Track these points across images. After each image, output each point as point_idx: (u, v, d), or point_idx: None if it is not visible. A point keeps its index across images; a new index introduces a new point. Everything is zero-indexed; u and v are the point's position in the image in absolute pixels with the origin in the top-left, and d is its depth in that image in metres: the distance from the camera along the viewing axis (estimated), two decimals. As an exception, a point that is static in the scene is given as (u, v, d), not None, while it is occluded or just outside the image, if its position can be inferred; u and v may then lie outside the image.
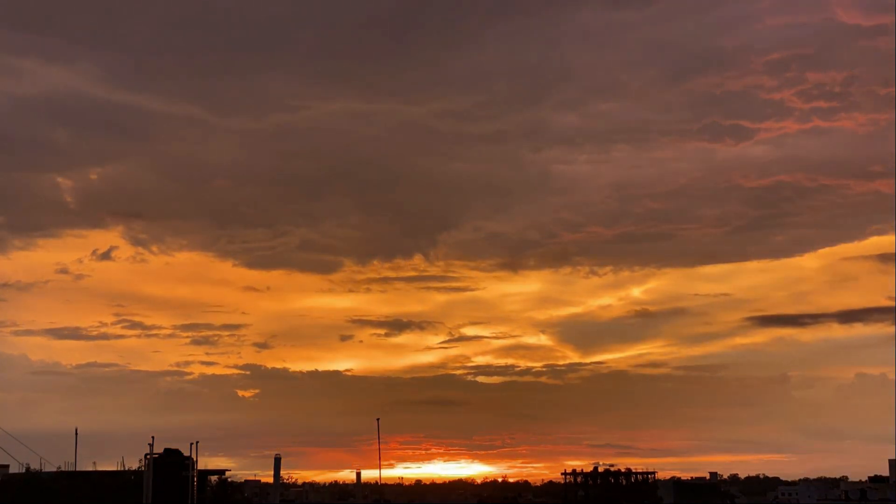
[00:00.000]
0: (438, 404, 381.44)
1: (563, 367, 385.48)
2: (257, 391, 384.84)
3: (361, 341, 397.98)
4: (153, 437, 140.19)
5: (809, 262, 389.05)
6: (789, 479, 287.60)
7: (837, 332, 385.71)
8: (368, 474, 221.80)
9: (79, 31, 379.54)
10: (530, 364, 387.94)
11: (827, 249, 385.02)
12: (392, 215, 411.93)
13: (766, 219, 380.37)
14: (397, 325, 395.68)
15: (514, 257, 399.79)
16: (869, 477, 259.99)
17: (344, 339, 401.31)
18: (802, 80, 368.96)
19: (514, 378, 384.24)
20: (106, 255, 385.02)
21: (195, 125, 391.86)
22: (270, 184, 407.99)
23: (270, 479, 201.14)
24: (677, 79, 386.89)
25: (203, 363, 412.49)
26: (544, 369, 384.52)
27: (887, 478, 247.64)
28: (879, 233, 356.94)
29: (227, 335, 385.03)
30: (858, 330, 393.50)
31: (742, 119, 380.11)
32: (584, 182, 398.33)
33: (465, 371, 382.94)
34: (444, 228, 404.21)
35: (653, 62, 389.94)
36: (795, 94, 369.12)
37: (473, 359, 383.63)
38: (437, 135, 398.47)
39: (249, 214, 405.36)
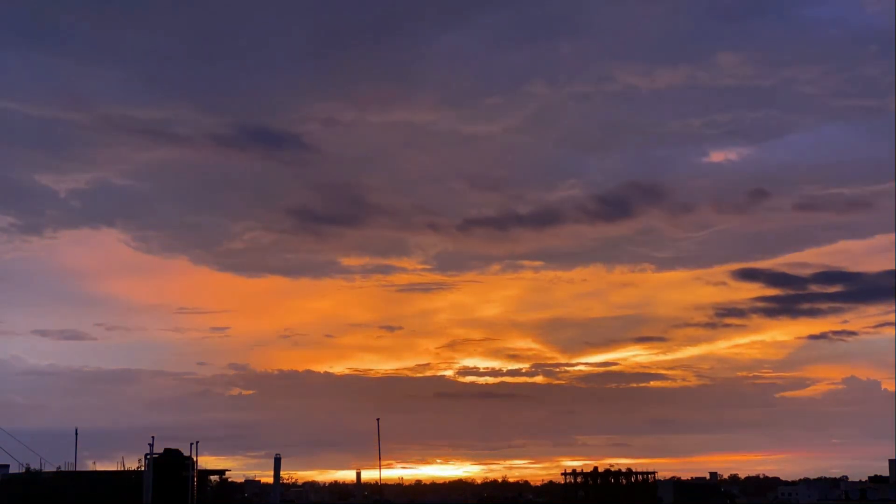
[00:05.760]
0: (438, 405, 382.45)
1: (558, 368, 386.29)
2: (256, 391, 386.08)
3: (353, 343, 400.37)
4: (153, 437, 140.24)
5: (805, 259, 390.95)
6: (789, 479, 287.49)
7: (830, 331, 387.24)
8: (368, 474, 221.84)
9: (83, 40, 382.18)
10: (522, 365, 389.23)
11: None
12: (384, 218, 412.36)
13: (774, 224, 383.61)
14: (388, 327, 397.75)
15: (505, 260, 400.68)
16: (869, 477, 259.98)
17: (336, 340, 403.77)
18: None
19: (514, 379, 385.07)
20: (102, 258, 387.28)
21: (190, 128, 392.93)
22: (263, 187, 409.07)
23: (270, 480, 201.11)
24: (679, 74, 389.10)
25: (200, 363, 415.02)
26: (536, 370, 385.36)
27: (887, 478, 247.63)
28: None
29: (221, 336, 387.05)
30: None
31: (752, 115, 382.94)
32: (583, 181, 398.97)
33: (457, 372, 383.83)
34: (435, 230, 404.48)
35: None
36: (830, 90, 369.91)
37: (467, 360, 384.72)
38: (427, 135, 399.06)
39: (242, 218, 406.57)
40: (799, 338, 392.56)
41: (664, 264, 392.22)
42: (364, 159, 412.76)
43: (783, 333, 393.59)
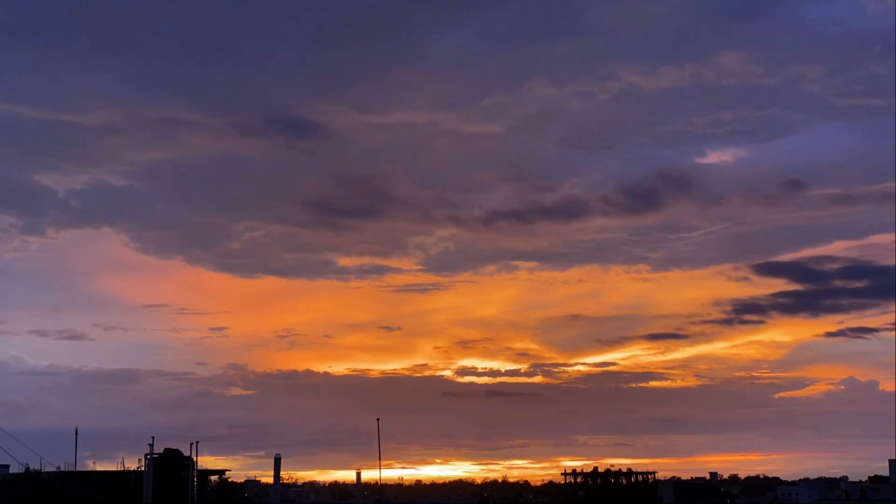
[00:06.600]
0: (438, 405, 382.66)
1: (556, 368, 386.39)
2: (256, 391, 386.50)
3: (352, 344, 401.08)
4: (153, 437, 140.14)
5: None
6: (789, 479, 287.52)
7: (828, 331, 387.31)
8: (368, 474, 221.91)
9: (84, 40, 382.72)
10: (521, 365, 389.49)
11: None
12: (379, 218, 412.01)
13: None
14: (387, 327, 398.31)
15: (501, 260, 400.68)
16: (869, 477, 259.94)
17: (334, 341, 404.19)
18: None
19: (512, 379, 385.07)
20: (102, 258, 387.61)
21: (188, 131, 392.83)
22: (259, 189, 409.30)
23: (270, 480, 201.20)
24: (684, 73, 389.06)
25: (200, 364, 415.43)
26: (535, 370, 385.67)
27: (887, 478, 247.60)
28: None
29: (220, 336, 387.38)
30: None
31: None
32: (581, 180, 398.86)
33: (456, 372, 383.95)
34: (431, 231, 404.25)
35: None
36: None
37: (465, 360, 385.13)
38: (429, 134, 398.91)
39: (238, 219, 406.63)
40: (816, 335, 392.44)
41: (660, 265, 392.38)
42: (365, 157, 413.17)
43: (790, 332, 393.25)
